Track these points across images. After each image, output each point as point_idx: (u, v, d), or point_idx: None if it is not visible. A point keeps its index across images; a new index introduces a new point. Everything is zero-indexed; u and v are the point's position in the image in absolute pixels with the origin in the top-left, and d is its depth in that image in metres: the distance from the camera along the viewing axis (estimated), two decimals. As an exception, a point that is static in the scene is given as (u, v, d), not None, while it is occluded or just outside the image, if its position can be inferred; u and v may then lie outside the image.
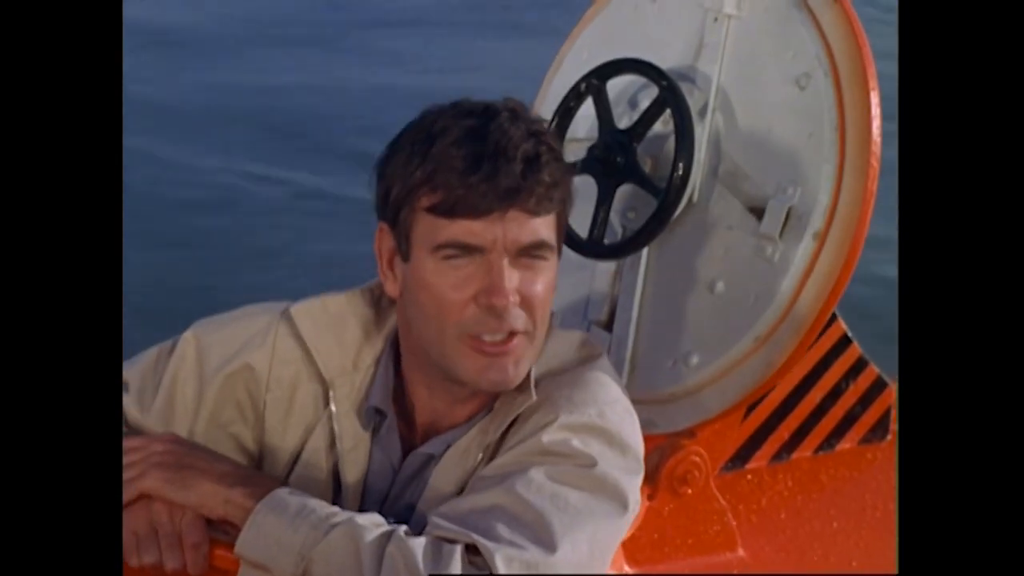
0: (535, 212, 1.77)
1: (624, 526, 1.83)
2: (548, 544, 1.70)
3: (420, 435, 1.91)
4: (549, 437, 1.79)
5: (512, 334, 1.79)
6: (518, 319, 1.79)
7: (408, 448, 1.91)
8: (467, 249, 1.77)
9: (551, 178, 1.78)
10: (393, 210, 1.81)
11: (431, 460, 1.88)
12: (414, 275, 1.81)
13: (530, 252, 1.79)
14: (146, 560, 1.77)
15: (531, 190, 1.76)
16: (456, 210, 1.75)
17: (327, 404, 1.91)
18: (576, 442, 1.79)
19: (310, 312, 1.93)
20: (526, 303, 1.79)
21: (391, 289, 1.87)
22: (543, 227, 1.79)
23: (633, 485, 1.83)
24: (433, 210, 1.77)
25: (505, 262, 1.77)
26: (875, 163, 2.16)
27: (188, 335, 1.97)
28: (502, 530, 1.70)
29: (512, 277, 1.78)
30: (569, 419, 1.81)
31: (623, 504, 1.80)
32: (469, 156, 1.75)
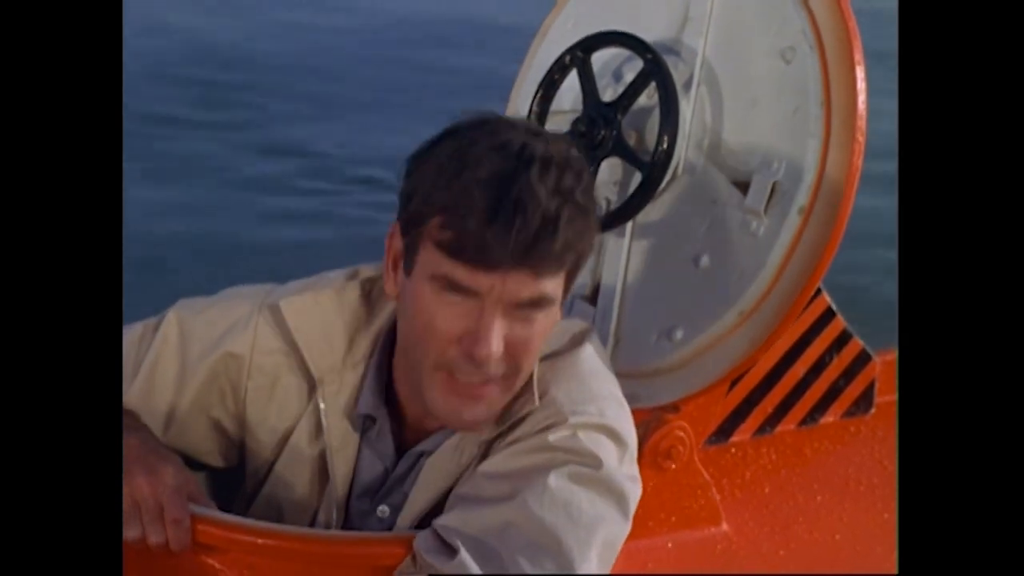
0: (540, 274, 1.73)
1: (627, 527, 1.83)
2: (566, 567, 1.71)
3: (411, 433, 1.90)
4: (556, 436, 1.78)
5: (488, 380, 1.77)
6: (498, 368, 1.76)
7: (400, 445, 1.90)
8: (462, 290, 1.73)
9: (566, 241, 1.72)
10: (408, 222, 1.77)
11: (424, 455, 1.88)
12: (412, 292, 1.78)
13: (527, 306, 1.75)
14: (129, 535, 1.76)
15: (541, 254, 1.71)
16: (462, 255, 1.71)
17: (311, 396, 1.91)
18: (583, 442, 1.79)
19: (300, 307, 1.91)
20: (510, 352, 1.75)
21: (390, 288, 1.85)
22: (548, 284, 1.75)
23: (635, 491, 1.84)
24: (440, 246, 1.72)
25: (498, 311, 1.73)
26: (860, 138, 2.15)
27: (171, 316, 1.96)
28: (524, 564, 1.69)
29: (502, 327, 1.74)
30: (576, 420, 1.80)
31: (626, 507, 1.81)
32: (490, 202, 1.68)
